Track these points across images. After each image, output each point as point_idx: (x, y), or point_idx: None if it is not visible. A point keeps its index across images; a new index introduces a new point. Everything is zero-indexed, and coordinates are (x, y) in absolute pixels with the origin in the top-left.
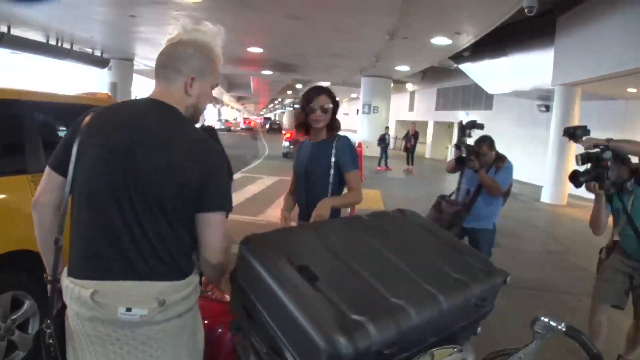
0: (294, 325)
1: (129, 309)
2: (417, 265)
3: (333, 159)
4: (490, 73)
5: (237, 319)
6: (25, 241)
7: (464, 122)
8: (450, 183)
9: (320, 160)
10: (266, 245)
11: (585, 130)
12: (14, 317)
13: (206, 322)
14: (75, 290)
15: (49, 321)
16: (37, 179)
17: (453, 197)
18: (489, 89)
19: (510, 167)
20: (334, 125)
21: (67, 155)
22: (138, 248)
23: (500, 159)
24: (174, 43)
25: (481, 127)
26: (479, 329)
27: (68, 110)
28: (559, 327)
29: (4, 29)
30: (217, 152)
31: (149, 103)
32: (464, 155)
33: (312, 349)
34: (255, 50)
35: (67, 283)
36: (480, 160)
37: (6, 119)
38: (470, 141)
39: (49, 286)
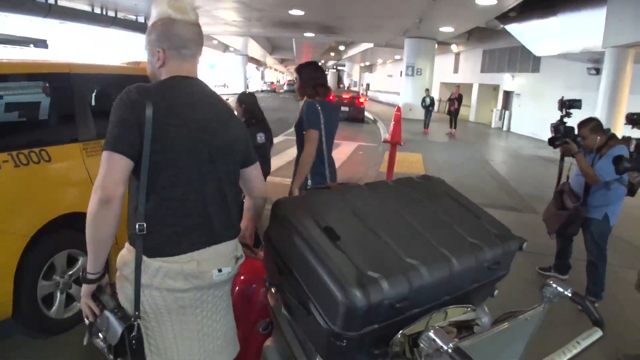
0: (317, 280)
1: (220, 270)
2: (434, 229)
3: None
4: (538, 34)
5: (270, 274)
6: (78, 204)
7: (565, 98)
8: (493, 148)
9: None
10: (296, 207)
11: None
12: (70, 272)
13: (242, 277)
14: (173, 268)
15: (137, 312)
16: (88, 147)
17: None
18: (537, 51)
19: (612, 155)
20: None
21: (137, 137)
22: (221, 215)
23: (608, 145)
24: (195, 23)
25: (579, 106)
26: (496, 291)
27: (115, 80)
28: (566, 292)
29: (52, 0)
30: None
31: (198, 82)
32: (558, 135)
33: (332, 301)
34: (297, 12)
35: (157, 265)
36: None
37: (58, 91)
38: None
39: (117, 283)
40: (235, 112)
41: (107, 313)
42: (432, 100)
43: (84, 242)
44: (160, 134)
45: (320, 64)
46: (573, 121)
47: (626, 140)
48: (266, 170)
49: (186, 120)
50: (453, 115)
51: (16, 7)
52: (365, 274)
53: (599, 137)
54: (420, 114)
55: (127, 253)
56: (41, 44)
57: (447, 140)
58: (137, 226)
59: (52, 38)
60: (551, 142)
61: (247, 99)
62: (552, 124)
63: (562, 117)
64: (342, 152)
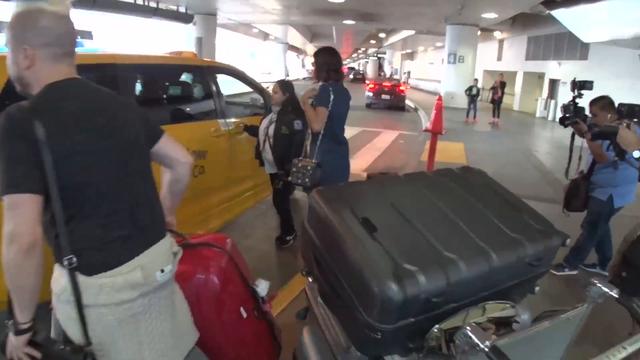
0: (353, 271)
1: (162, 270)
2: (474, 223)
3: None
4: (586, 19)
5: (307, 263)
6: None
7: (577, 79)
8: (537, 138)
9: None
10: (334, 197)
11: None
12: None
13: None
14: (117, 281)
15: (87, 340)
16: None
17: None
18: (585, 37)
19: None
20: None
21: (39, 169)
22: (149, 214)
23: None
24: (66, 15)
25: (591, 87)
26: (537, 287)
27: (159, 69)
28: (611, 293)
29: None
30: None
31: (86, 83)
32: (568, 115)
33: (368, 293)
34: (337, 0)
35: (99, 282)
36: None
37: (103, 82)
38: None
39: (57, 307)
40: (274, 98)
41: (57, 352)
42: (478, 90)
43: None
44: (62, 154)
45: (360, 51)
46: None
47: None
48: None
49: (90, 130)
50: (496, 104)
51: None
52: (402, 266)
53: (609, 115)
54: (462, 102)
55: (60, 276)
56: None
57: (490, 129)
58: (65, 261)
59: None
60: (561, 121)
61: (291, 87)
62: (562, 104)
63: (573, 97)
64: (382, 140)
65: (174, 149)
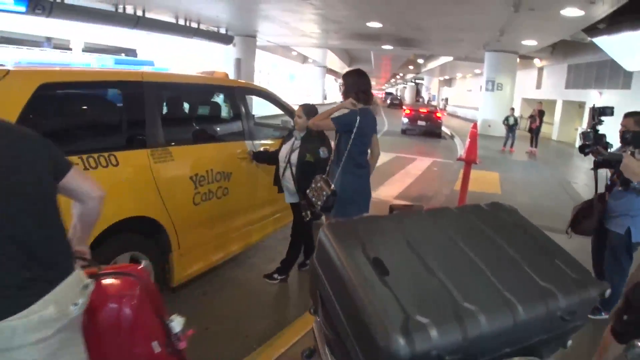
0: (358, 318)
1: (75, 304)
2: (501, 269)
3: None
4: (630, 47)
5: (315, 302)
6: (144, 208)
7: (596, 105)
8: (576, 169)
9: None
10: (346, 233)
11: None
12: None
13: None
14: (31, 320)
15: None
16: (156, 153)
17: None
18: (628, 65)
19: None
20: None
21: None
22: (53, 251)
23: None
24: None
25: (611, 113)
26: (570, 342)
27: (187, 89)
28: None
29: (140, 13)
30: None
31: None
32: (587, 142)
33: (372, 345)
34: (375, 24)
35: (10, 325)
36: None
37: (129, 99)
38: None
39: None
40: (297, 122)
41: None
42: (515, 119)
43: (147, 245)
44: None
45: (398, 76)
46: (607, 130)
47: None
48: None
49: None
50: (534, 133)
51: (107, 19)
52: (413, 317)
53: None
54: (500, 130)
55: None
56: (131, 53)
57: (527, 159)
58: None
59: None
60: (581, 149)
61: (314, 111)
62: (582, 131)
63: (594, 124)
64: (416, 167)
65: (83, 183)
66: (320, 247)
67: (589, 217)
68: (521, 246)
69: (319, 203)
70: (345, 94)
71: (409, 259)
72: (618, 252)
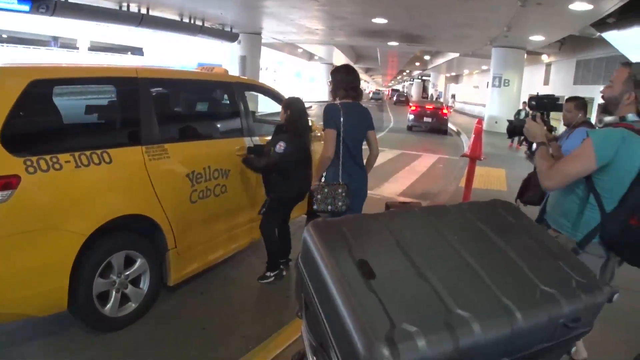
0: (340, 325)
1: None
2: (498, 272)
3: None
4: None
5: (300, 306)
6: (138, 206)
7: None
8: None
9: None
10: (332, 233)
11: None
12: (127, 272)
13: None
14: None
15: None
16: (151, 150)
17: None
18: (638, 59)
19: (578, 132)
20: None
21: None
22: None
23: (581, 125)
24: None
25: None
26: (574, 348)
27: (182, 85)
28: None
29: (144, 11)
30: None
31: None
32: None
33: (354, 355)
34: (380, 21)
35: None
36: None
37: (124, 94)
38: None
39: None
40: (280, 116)
41: None
42: (527, 113)
43: (142, 244)
44: None
45: (405, 73)
46: None
47: None
48: (284, 189)
49: None
50: None
51: (111, 17)
52: (399, 326)
53: (580, 115)
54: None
55: None
56: (138, 51)
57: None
58: None
59: (148, 46)
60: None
61: (294, 105)
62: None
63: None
64: (422, 164)
65: None
66: (304, 248)
67: (532, 187)
68: (522, 247)
69: (340, 204)
70: (334, 91)
71: (398, 261)
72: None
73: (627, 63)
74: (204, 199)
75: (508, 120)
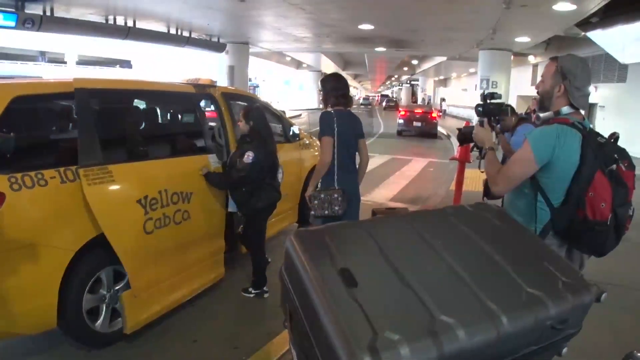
0: (323, 334)
1: None
2: (483, 276)
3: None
4: (624, 40)
5: (285, 314)
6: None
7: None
8: None
9: None
10: (314, 242)
11: None
12: (117, 287)
13: None
14: None
15: None
16: (90, 173)
17: None
18: (623, 58)
19: (521, 131)
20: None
21: None
22: None
23: (519, 124)
24: None
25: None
26: (565, 349)
27: (138, 95)
28: None
29: (130, 23)
30: None
31: None
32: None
33: None
34: (367, 27)
35: None
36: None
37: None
38: None
39: None
40: (239, 128)
41: None
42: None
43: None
44: None
45: (394, 78)
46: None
47: None
48: (253, 201)
49: None
50: None
51: (98, 31)
52: (382, 334)
53: (514, 118)
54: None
55: None
56: (126, 64)
57: None
58: None
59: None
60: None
61: (254, 113)
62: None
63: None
64: (412, 168)
65: None
66: (287, 257)
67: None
68: (507, 250)
69: (337, 208)
70: (325, 100)
71: (381, 269)
72: None
73: (555, 57)
74: (161, 228)
75: (458, 129)
